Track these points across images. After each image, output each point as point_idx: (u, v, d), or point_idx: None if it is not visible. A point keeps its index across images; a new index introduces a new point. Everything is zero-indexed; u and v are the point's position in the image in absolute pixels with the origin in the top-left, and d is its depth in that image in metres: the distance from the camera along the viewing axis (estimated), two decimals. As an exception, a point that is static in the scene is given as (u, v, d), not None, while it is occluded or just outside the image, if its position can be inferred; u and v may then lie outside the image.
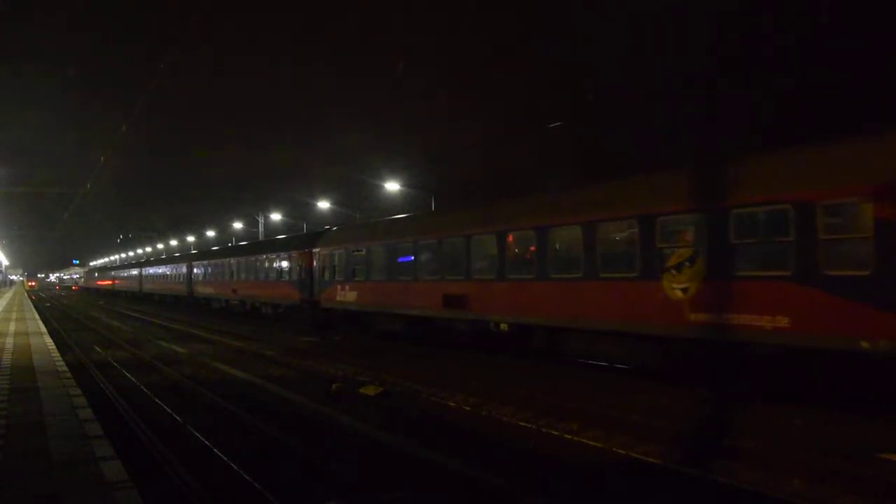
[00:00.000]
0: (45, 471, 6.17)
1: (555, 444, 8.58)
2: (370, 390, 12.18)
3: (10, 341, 18.81)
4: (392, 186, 34.17)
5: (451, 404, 11.12)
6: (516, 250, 15.49)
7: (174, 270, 47.84)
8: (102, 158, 27.10)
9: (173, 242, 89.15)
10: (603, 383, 12.28)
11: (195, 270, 41.56)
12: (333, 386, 12.52)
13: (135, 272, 64.61)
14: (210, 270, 38.42)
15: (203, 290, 39.81)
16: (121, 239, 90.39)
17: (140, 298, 58.98)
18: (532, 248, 14.72)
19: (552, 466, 7.73)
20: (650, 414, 9.73)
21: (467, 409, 10.76)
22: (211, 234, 71.09)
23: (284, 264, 27.55)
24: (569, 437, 8.84)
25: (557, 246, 14.36)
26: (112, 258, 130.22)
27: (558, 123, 22.99)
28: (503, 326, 15.62)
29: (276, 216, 50.32)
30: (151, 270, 57.10)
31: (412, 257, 18.64)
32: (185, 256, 48.90)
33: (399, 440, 8.83)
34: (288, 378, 14.36)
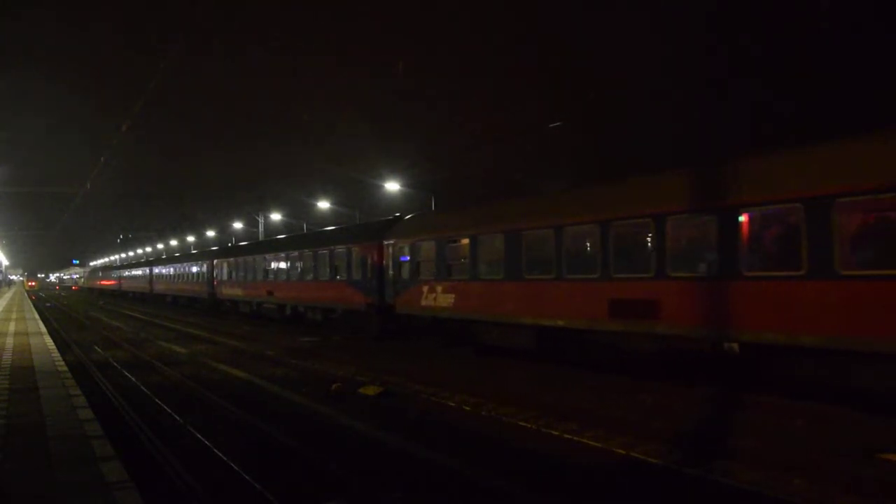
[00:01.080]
0: (45, 471, 6.17)
1: (555, 445, 8.58)
2: (370, 390, 12.18)
3: (10, 341, 18.81)
4: (392, 186, 34.16)
5: (451, 404, 11.12)
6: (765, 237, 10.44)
7: (192, 269, 42.11)
8: (102, 158, 27.10)
9: (173, 242, 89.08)
10: (603, 383, 12.27)
11: (219, 269, 36.21)
12: (333, 386, 12.52)
13: (144, 271, 59.33)
14: (238, 269, 32.90)
15: (229, 291, 34.48)
16: (121, 239, 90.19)
17: (150, 300, 54.40)
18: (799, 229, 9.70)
19: (552, 466, 7.73)
20: (650, 414, 9.73)
21: (467, 409, 10.76)
22: (211, 234, 71.06)
23: (342, 260, 22.47)
24: (569, 437, 8.84)
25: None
26: (114, 257, 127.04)
27: (558, 123, 22.97)
28: (729, 346, 10.95)
29: (276, 216, 50.32)
30: (164, 269, 51.18)
31: (556, 247, 13.67)
32: (206, 253, 42.88)
33: (399, 440, 8.83)
34: (288, 378, 14.36)
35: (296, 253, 26.64)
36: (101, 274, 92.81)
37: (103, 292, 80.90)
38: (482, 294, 15.75)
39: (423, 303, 17.68)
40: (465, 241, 16.49)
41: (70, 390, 10.59)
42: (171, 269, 48.48)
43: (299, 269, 26.09)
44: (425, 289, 17.63)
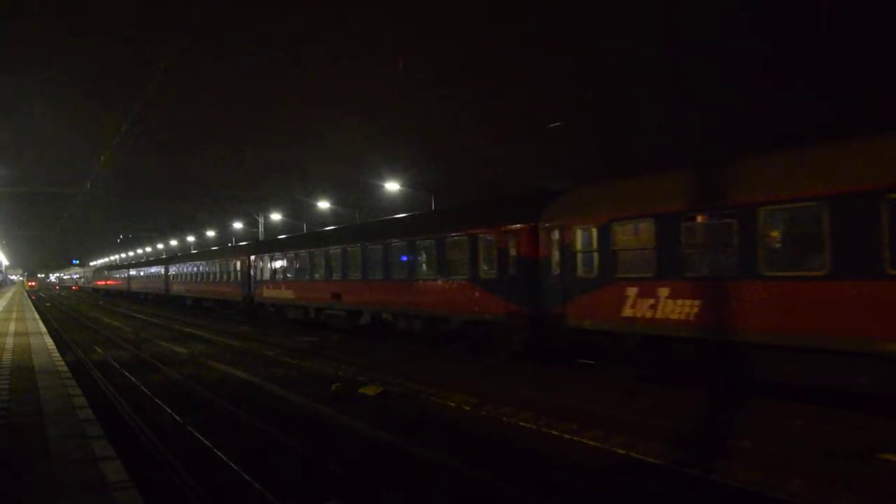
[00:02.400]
0: (45, 471, 6.17)
1: (555, 445, 8.58)
2: (370, 390, 12.18)
3: (10, 341, 18.81)
4: (392, 186, 34.16)
5: (451, 404, 11.12)
6: None
7: (221, 267, 35.47)
8: (102, 158, 27.08)
9: (173, 242, 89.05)
10: (603, 383, 12.27)
11: (258, 266, 30.13)
12: (333, 386, 12.53)
13: (159, 270, 52.16)
14: (287, 266, 27.16)
15: (272, 293, 28.42)
16: (121, 239, 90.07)
17: (165, 303, 48.44)
18: None
19: (552, 466, 7.73)
20: (650, 414, 9.73)
21: (467, 409, 10.76)
22: (211, 234, 71.05)
23: (461, 252, 16.59)
24: (569, 437, 8.84)
25: None
26: (119, 256, 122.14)
27: (558, 123, 22.96)
28: None
29: (276, 216, 50.32)
30: (184, 268, 44.11)
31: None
32: (240, 248, 36.34)
33: (399, 440, 8.83)
34: (288, 378, 14.36)
35: (378, 244, 20.15)
36: (106, 273, 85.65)
37: (109, 293, 76.11)
38: (731, 298, 10.41)
39: (626, 312, 12.10)
40: (727, 216, 10.70)
41: (70, 390, 10.59)
42: (193, 268, 41.27)
43: (388, 265, 19.59)
44: (631, 291, 12.07)
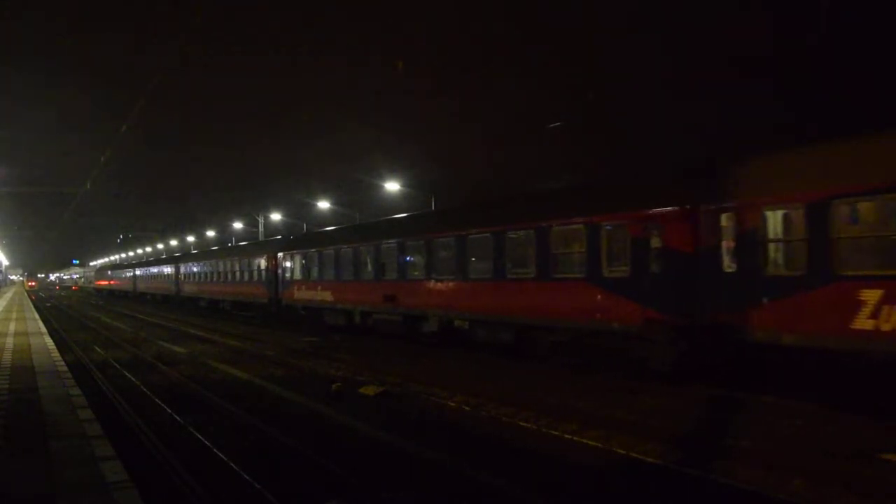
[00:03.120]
0: (44, 471, 6.17)
1: (555, 445, 8.58)
2: (370, 390, 12.18)
3: (10, 341, 18.81)
4: (392, 186, 34.17)
5: (451, 404, 11.12)
6: None
7: (243, 266, 32.05)
8: (102, 158, 27.08)
9: (173, 242, 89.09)
10: (603, 383, 12.27)
11: (287, 264, 26.82)
12: (333, 386, 12.52)
13: (168, 269, 48.45)
14: (325, 263, 23.43)
15: (305, 294, 24.98)
16: (121, 239, 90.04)
17: (175, 304, 45.03)
18: None
19: (552, 466, 7.73)
20: (650, 414, 9.73)
21: (467, 409, 10.76)
22: (211, 234, 71.06)
23: (569, 244, 13.66)
24: (569, 437, 8.84)
25: None
26: (117, 256, 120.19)
27: (558, 123, 22.96)
28: None
29: (276, 216, 50.33)
30: (198, 267, 40.28)
31: None
32: (265, 244, 32.68)
33: (399, 440, 8.82)
34: (288, 378, 14.36)
35: (449, 237, 16.90)
36: (109, 273, 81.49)
37: (113, 293, 72.43)
38: None
39: (859, 324, 9.01)
40: None
41: (70, 390, 10.59)
42: (209, 267, 37.90)
43: (463, 262, 16.32)
44: (869, 295, 8.93)
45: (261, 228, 50.13)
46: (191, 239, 79.65)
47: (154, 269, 54.84)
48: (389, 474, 7.46)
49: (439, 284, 17.22)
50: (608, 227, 12.68)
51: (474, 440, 8.92)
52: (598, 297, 12.60)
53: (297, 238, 30.12)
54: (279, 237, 34.30)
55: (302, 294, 25.33)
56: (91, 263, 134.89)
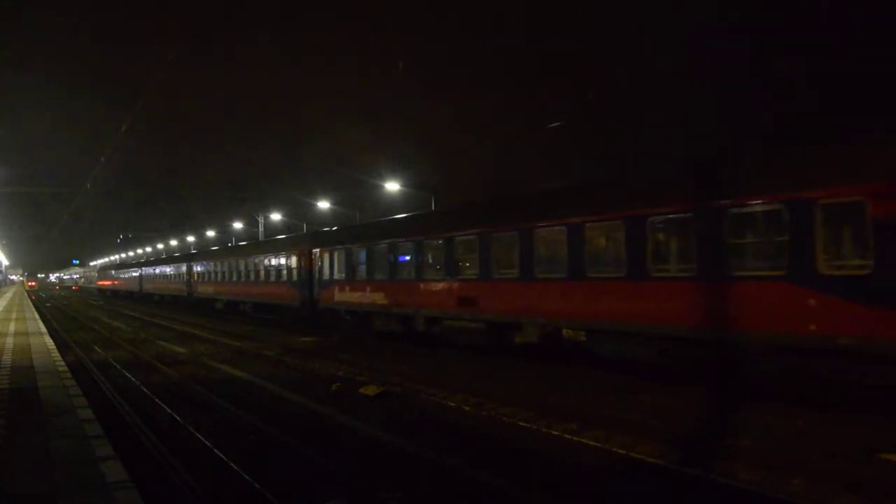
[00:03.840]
0: (45, 471, 6.17)
1: (555, 444, 8.58)
2: (370, 390, 12.18)
3: (10, 341, 18.81)
4: (392, 186, 34.17)
5: (451, 404, 11.12)
6: None
7: (267, 265, 28.75)
8: (102, 158, 27.10)
9: (173, 242, 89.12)
10: (603, 383, 12.27)
11: (324, 262, 23.23)
12: (333, 386, 12.53)
13: (177, 269, 44.97)
14: (377, 260, 19.99)
15: (350, 296, 21.34)
16: (121, 239, 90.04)
17: (186, 306, 41.91)
18: None
19: (552, 466, 7.73)
20: (650, 414, 9.73)
21: (467, 409, 10.76)
22: (211, 233, 71.08)
23: (758, 232, 10.54)
24: (569, 437, 8.84)
25: None
26: (119, 255, 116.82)
27: (558, 123, 22.94)
28: None
29: (276, 216, 50.33)
30: (213, 266, 36.69)
31: None
32: (297, 240, 27.74)
33: (399, 440, 8.83)
34: (288, 378, 14.36)
35: (558, 225, 13.68)
36: (113, 273, 77.82)
37: (117, 294, 69.54)
38: None
39: None
40: None
41: (70, 390, 10.59)
42: (227, 266, 34.47)
43: (578, 257, 13.15)
44: None
45: (261, 228, 50.12)
46: (191, 239, 79.71)
47: (163, 269, 50.79)
48: (389, 474, 7.46)
49: (543, 285, 13.89)
50: (830, 207, 9.32)
51: (474, 440, 8.92)
52: (811, 301, 9.39)
53: (339, 231, 26.02)
54: (314, 232, 30.10)
55: (345, 296, 21.63)
56: (91, 263, 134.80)
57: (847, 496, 6.45)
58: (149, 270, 56.15)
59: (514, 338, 15.32)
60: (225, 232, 65.05)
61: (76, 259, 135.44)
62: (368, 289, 20.32)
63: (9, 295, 67.79)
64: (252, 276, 30.86)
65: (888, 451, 7.55)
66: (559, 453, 8.19)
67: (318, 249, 24.06)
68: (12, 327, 24.33)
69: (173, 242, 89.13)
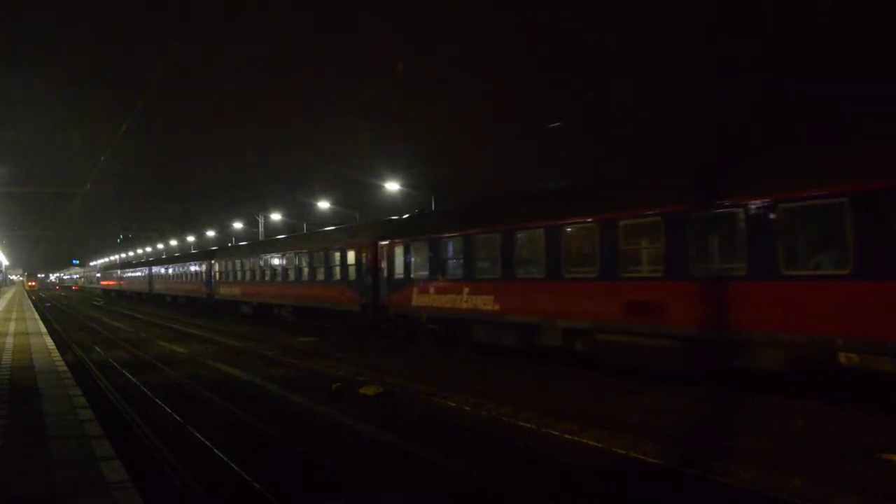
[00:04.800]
0: (45, 471, 6.17)
1: (555, 444, 8.58)
2: (370, 390, 12.18)
3: (9, 341, 18.81)
4: (392, 186, 34.17)
5: (451, 404, 11.12)
6: None
7: (312, 262, 24.49)
8: (102, 158, 27.10)
9: (173, 242, 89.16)
10: (603, 383, 12.27)
11: (397, 258, 19.02)
12: (333, 386, 12.52)
13: (197, 268, 40.34)
14: (485, 252, 15.89)
15: (435, 300, 17.17)
16: (121, 239, 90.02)
17: (207, 310, 37.12)
18: None
19: (552, 466, 7.73)
20: (650, 414, 9.73)
21: (467, 409, 10.76)
22: (211, 233, 71.11)
23: None
24: (569, 437, 8.84)
25: None
26: (123, 254, 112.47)
27: (558, 123, 22.95)
28: None
29: (276, 216, 50.33)
30: (243, 264, 32.07)
31: None
32: (357, 232, 23.06)
33: (399, 440, 8.82)
34: (288, 378, 14.36)
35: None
36: (118, 273, 72.69)
37: (122, 295, 65.54)
38: None
39: None
40: None
41: (70, 390, 10.58)
42: (258, 263, 29.91)
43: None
44: None
45: (261, 228, 50.11)
46: (191, 239, 79.76)
47: (177, 267, 45.81)
48: (389, 474, 7.46)
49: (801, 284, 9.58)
50: None
51: (474, 440, 8.92)
52: None
53: (418, 218, 20.93)
54: (379, 221, 23.74)
55: (428, 299, 17.30)
56: (91, 263, 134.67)
57: (847, 496, 6.45)
58: (160, 270, 51.44)
59: (736, 362, 10.52)
60: (225, 232, 65.06)
61: (76, 259, 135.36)
62: (466, 290, 15.97)
63: (9, 295, 67.78)
64: (291, 276, 26.26)
65: (888, 451, 7.55)
66: (559, 453, 8.19)
67: (386, 242, 19.55)
68: (12, 327, 24.32)
69: (173, 242, 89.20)
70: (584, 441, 8.63)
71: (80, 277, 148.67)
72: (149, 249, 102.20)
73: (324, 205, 43.18)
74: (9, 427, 7.93)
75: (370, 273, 20.22)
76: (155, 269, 53.12)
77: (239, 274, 32.60)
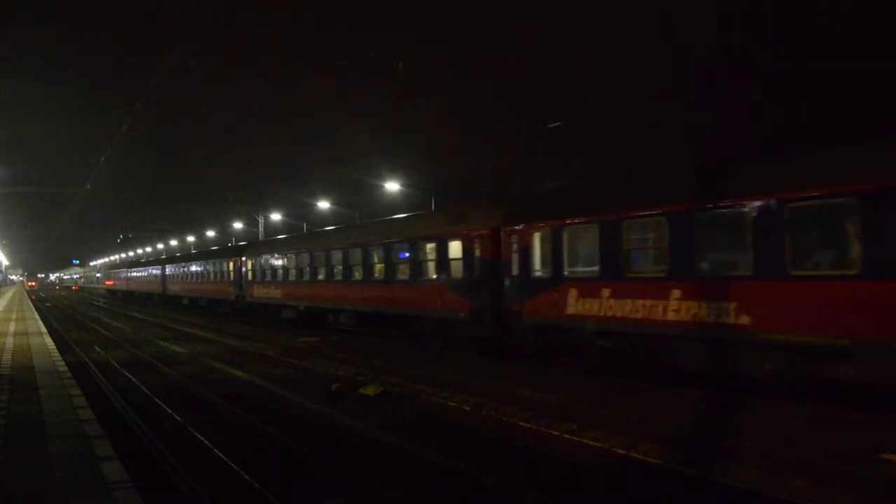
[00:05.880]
0: (45, 471, 6.17)
1: (555, 444, 8.58)
2: (370, 390, 12.18)
3: (10, 341, 18.82)
4: (392, 186, 34.18)
5: (451, 404, 11.12)
6: None
7: (389, 255, 19.70)
8: (102, 158, 27.08)
9: (173, 242, 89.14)
10: (603, 383, 12.27)
11: (550, 244, 13.78)
12: (333, 386, 12.52)
13: (223, 265, 34.75)
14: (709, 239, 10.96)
15: (634, 308, 11.71)
16: (121, 239, 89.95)
17: (238, 314, 32.40)
18: None
19: (552, 466, 7.73)
20: (650, 414, 9.73)
21: (467, 409, 10.76)
22: (211, 233, 71.12)
23: None
24: (569, 437, 8.84)
25: None
26: (126, 253, 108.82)
27: (558, 123, 22.91)
28: None
29: (276, 216, 50.31)
30: (288, 260, 26.84)
31: None
32: (473, 213, 16.68)
33: (399, 440, 8.83)
34: (288, 378, 14.36)
35: None
36: (125, 273, 66.84)
37: (131, 297, 62.09)
38: None
39: None
40: None
41: (70, 390, 10.59)
42: (306, 258, 24.95)
43: None
44: None
45: (261, 228, 50.11)
46: (191, 239, 79.78)
47: (197, 266, 40.59)
48: (390, 474, 7.46)
49: None
50: None
51: (474, 440, 8.92)
52: None
53: (570, 193, 15.49)
54: (495, 200, 17.30)
55: (599, 307, 12.45)
56: (92, 263, 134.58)
57: (847, 496, 6.45)
58: (175, 268, 46.07)
59: None
60: (225, 232, 65.06)
61: (76, 259, 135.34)
62: (678, 294, 11.02)
63: (9, 295, 67.79)
64: (359, 273, 21.23)
65: (888, 451, 7.55)
66: (559, 453, 8.19)
67: (516, 227, 14.51)
68: (12, 327, 24.33)
69: (173, 242, 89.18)
70: (584, 441, 8.63)
71: (80, 277, 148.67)
72: (160, 247, 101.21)
73: (324, 205, 43.18)
74: (9, 427, 7.93)
75: (487, 269, 15.45)
76: (170, 268, 47.99)
77: (279, 272, 27.55)
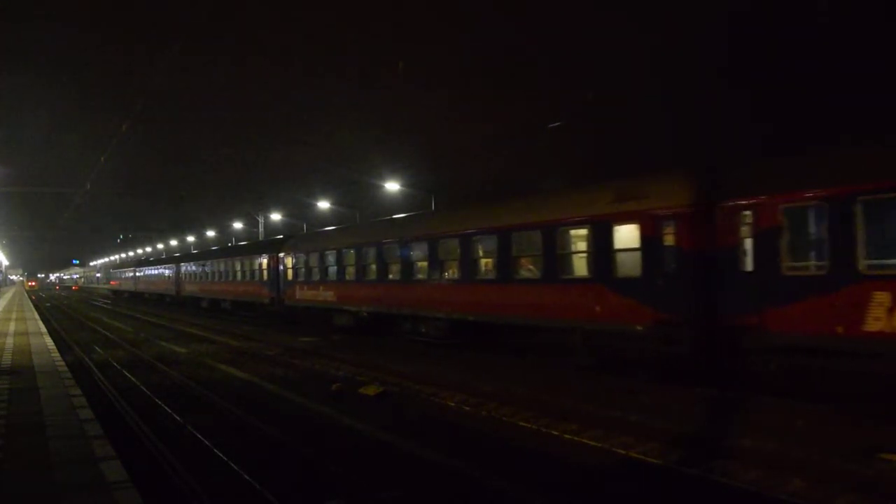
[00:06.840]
0: (45, 471, 6.17)
1: (555, 444, 8.58)
2: (370, 390, 12.18)
3: (10, 341, 18.81)
4: (392, 186, 34.17)
5: (451, 404, 11.12)
6: None
7: (527, 246, 14.69)
8: (102, 158, 27.09)
9: (173, 242, 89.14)
10: (603, 383, 12.27)
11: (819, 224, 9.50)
12: (333, 386, 12.53)
13: (254, 262, 30.05)
14: None
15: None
16: (121, 239, 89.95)
17: (272, 318, 28.40)
18: None
19: (552, 466, 7.74)
20: (650, 414, 9.72)
21: (467, 409, 10.76)
22: (211, 233, 71.12)
23: None
24: (569, 437, 8.84)
25: None
26: (133, 252, 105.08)
27: (558, 123, 22.90)
28: None
29: (276, 216, 50.29)
30: (351, 256, 21.82)
31: None
32: (677, 179, 11.71)
33: (399, 440, 8.83)
34: (288, 378, 14.36)
35: None
36: (133, 273, 62.03)
37: (139, 297, 57.00)
38: None
39: None
40: None
41: (70, 390, 10.59)
42: (372, 253, 20.45)
43: None
44: None
45: (261, 228, 50.08)
46: (191, 239, 79.79)
47: (219, 265, 35.65)
48: (389, 474, 7.46)
49: None
50: None
51: (474, 440, 8.92)
52: None
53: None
54: (736, 162, 12.39)
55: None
56: (92, 263, 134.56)
57: (847, 496, 6.45)
58: (192, 267, 40.98)
59: None
60: (225, 232, 65.06)
61: (76, 259, 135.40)
62: None
63: (9, 295, 67.79)
64: (457, 271, 16.80)
65: (888, 451, 7.55)
66: (559, 453, 8.19)
67: (754, 199, 10.34)
68: (12, 327, 24.33)
69: (173, 242, 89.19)
70: (584, 441, 8.63)
71: (80, 277, 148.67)
72: (160, 247, 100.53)
73: (324, 205, 43.17)
74: (9, 427, 7.93)
75: (687, 263, 11.33)
76: (186, 267, 42.65)
77: (331, 269, 23.02)
